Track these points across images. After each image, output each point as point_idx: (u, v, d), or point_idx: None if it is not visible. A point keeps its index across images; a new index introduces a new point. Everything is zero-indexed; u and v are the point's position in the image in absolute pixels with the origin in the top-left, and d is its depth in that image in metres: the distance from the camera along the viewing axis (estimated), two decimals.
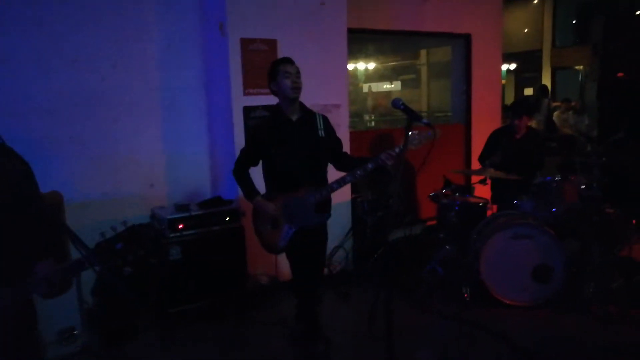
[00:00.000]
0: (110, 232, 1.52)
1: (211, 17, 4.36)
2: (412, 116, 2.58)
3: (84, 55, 4.00)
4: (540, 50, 15.96)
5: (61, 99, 3.94)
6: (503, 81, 11.79)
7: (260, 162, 3.24)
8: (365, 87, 11.81)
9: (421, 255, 4.86)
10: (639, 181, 5.04)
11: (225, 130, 4.38)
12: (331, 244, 4.78)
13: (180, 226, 3.84)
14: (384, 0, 5.55)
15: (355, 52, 9.05)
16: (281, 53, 4.36)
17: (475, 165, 5.14)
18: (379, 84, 12.37)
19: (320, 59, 4.58)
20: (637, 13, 9.29)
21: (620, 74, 7.91)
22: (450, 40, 6.58)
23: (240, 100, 4.26)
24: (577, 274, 4.22)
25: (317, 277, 3.39)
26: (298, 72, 3.09)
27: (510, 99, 15.15)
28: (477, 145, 5.49)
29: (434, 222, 5.42)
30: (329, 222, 3.32)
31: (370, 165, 2.96)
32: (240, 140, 4.27)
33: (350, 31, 4.80)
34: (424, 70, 11.90)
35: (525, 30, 16.47)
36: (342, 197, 4.76)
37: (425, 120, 2.59)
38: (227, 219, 4.02)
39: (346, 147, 4.66)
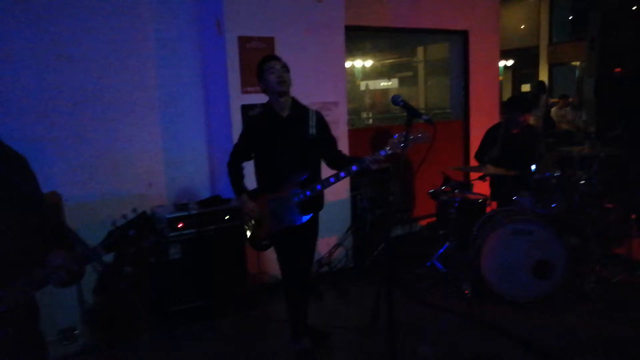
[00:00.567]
0: (121, 220, 1.58)
1: (208, 15, 4.35)
2: (412, 113, 2.58)
3: (80, 55, 3.99)
4: (537, 47, 15.96)
5: (59, 99, 3.93)
6: (500, 77, 11.80)
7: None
8: (362, 85, 11.81)
9: (421, 252, 4.87)
10: (637, 176, 5.06)
11: (223, 128, 4.37)
12: (331, 241, 4.79)
13: (179, 225, 3.83)
14: None
15: (352, 50, 9.04)
16: (278, 51, 4.35)
17: (474, 161, 5.14)
18: (377, 81, 12.37)
19: (317, 57, 4.58)
20: (634, 8, 9.29)
21: (617, 70, 7.92)
22: (448, 37, 6.58)
23: (238, 98, 4.25)
24: (577, 269, 4.22)
25: (306, 273, 3.38)
26: (283, 67, 3.06)
27: (507, 95, 15.14)
28: (476, 142, 5.48)
29: (433, 219, 5.42)
30: (329, 219, 3.32)
31: (354, 168, 2.93)
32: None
33: (348, 28, 4.79)
34: (421, 68, 11.92)
35: (522, 27, 16.47)
36: (341, 194, 4.77)
37: (425, 116, 2.59)
38: (227, 217, 4.00)
39: (344, 145, 4.67)
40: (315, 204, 3.17)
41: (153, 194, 4.33)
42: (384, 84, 12.49)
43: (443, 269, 4.52)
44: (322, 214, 3.32)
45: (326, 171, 3.19)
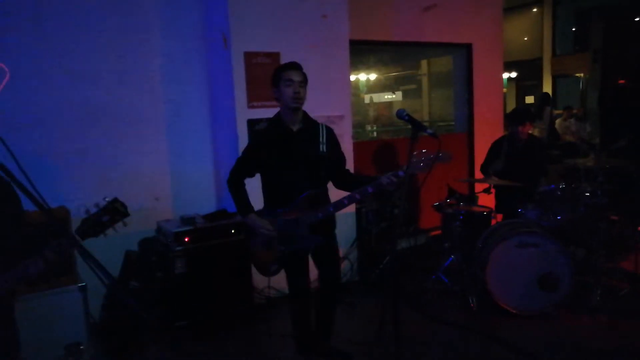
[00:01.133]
0: (94, 209, 1.72)
1: (214, 31, 4.41)
2: (417, 126, 2.59)
3: (89, 70, 4.05)
4: (541, 59, 16.01)
5: (67, 113, 3.99)
6: (504, 89, 11.82)
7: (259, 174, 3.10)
8: (367, 98, 11.86)
9: (426, 264, 4.86)
10: None
11: (229, 142, 4.40)
12: None
13: (186, 239, 3.85)
14: (384, 11, 5.60)
15: (356, 63, 9.10)
16: None
17: (479, 174, 5.15)
18: (381, 94, 12.42)
19: (322, 71, 4.61)
20: (637, 19, 9.32)
21: (621, 81, 7.94)
22: (451, 50, 6.63)
23: (244, 112, 4.29)
24: (583, 282, 4.20)
25: (332, 287, 3.23)
26: (303, 81, 2.93)
27: (511, 107, 15.16)
28: (480, 154, 5.50)
29: (438, 231, 5.41)
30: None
31: (369, 190, 2.79)
32: None
33: (352, 43, 4.84)
34: (425, 80, 11.96)
35: (525, 39, 16.54)
36: (347, 207, 4.77)
37: (429, 130, 2.60)
38: (233, 231, 4.02)
39: (349, 158, 4.68)
40: (327, 225, 3.04)
41: (160, 208, 4.36)
42: (388, 96, 12.54)
43: (448, 282, 4.51)
44: None
45: (332, 190, 3.11)
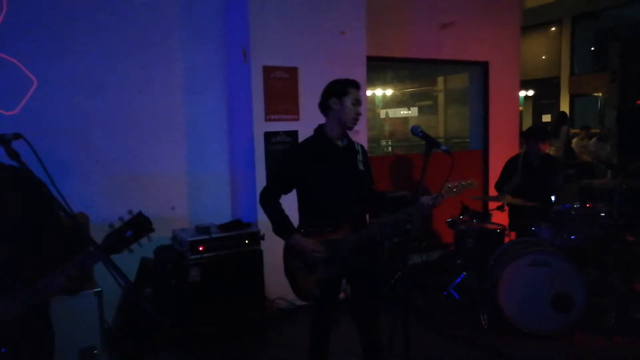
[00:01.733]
0: (118, 223, 1.62)
1: (234, 45, 4.51)
2: (431, 143, 2.61)
3: (112, 81, 4.16)
4: (559, 77, 15.96)
5: (89, 122, 4.10)
6: (521, 108, 11.79)
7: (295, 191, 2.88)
8: (382, 113, 11.92)
9: (438, 281, 4.85)
10: None
11: (246, 154, 4.47)
12: None
13: (200, 248, 3.90)
14: (402, 28, 5.66)
15: (373, 79, 9.17)
16: (302, 80, 4.48)
17: (493, 191, 5.15)
18: (397, 109, 12.47)
19: None
20: None
21: (639, 102, 7.88)
22: (468, 68, 6.66)
23: (261, 125, 4.36)
24: (597, 303, 4.16)
25: (376, 327, 2.98)
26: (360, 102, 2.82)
27: (528, 125, 15.11)
28: (495, 172, 5.50)
29: (451, 248, 5.40)
30: None
31: (401, 217, 2.73)
32: (260, 165, 4.36)
33: (369, 59, 4.90)
34: (441, 97, 11.99)
35: (543, 57, 16.51)
36: None
37: (443, 147, 2.63)
38: (247, 241, 4.06)
39: None
40: (369, 247, 2.86)
41: (176, 217, 4.43)
42: (404, 112, 12.59)
43: (460, 299, 4.50)
44: None
45: None
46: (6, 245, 1.63)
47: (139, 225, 1.62)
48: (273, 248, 4.38)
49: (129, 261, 4.01)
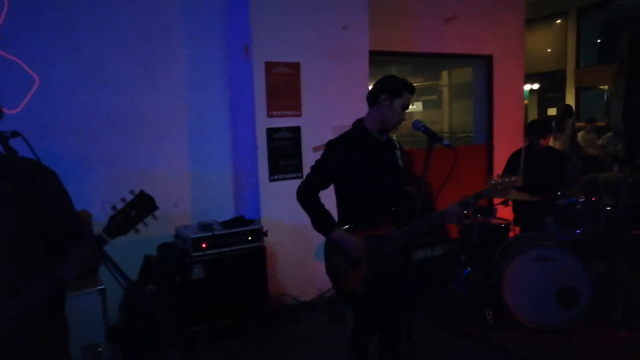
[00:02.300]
0: (121, 204, 1.61)
1: (236, 41, 4.49)
2: (433, 137, 2.60)
3: (114, 79, 4.16)
4: (564, 70, 15.83)
5: (92, 120, 4.10)
6: (526, 101, 11.71)
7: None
8: None
9: (442, 276, 4.83)
10: None
11: (248, 151, 4.46)
12: None
13: (203, 245, 3.89)
14: (405, 22, 5.62)
15: (376, 74, 9.10)
16: (304, 76, 4.46)
17: None
18: None
19: (342, 81, 4.66)
20: None
21: None
22: (472, 61, 6.61)
23: (264, 121, 4.35)
24: (604, 297, 4.13)
25: (395, 324, 2.87)
26: None
27: (533, 118, 15.02)
28: (500, 166, 5.46)
29: (456, 243, 5.38)
30: None
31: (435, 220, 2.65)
32: (263, 161, 4.35)
33: (372, 53, 4.87)
34: (445, 91, 11.93)
35: (549, 50, 16.38)
36: None
37: (445, 141, 2.61)
38: (250, 238, 4.06)
39: None
40: (409, 243, 2.79)
41: (179, 214, 4.43)
42: None
43: (464, 294, 4.47)
44: None
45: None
46: (21, 232, 1.64)
47: (143, 204, 1.61)
48: (276, 245, 4.40)
49: (132, 258, 4.04)
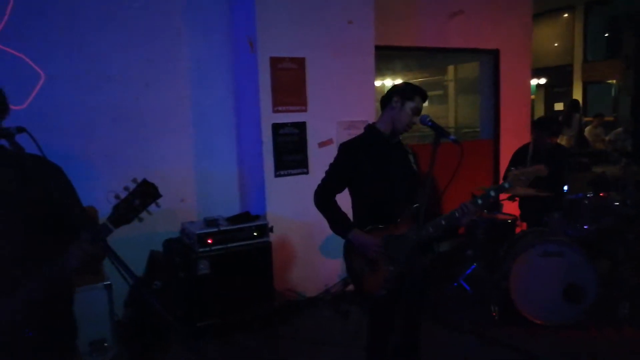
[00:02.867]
0: (124, 193, 1.60)
1: (241, 36, 4.47)
2: (440, 133, 2.57)
3: (118, 75, 4.16)
4: (571, 65, 15.72)
5: (97, 116, 4.10)
6: (532, 96, 11.64)
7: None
8: None
9: (448, 272, 4.82)
10: None
11: (254, 146, 4.45)
12: None
13: (209, 241, 3.90)
14: (411, 17, 5.59)
15: (382, 69, 9.09)
16: (309, 71, 4.44)
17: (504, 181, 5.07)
18: None
19: (347, 76, 4.64)
20: None
21: None
22: (478, 56, 6.56)
23: (269, 117, 4.34)
24: (610, 294, 4.11)
25: (417, 329, 2.82)
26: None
27: (540, 114, 14.93)
28: (506, 161, 5.43)
29: (462, 239, 5.36)
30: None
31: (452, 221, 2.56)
32: (269, 157, 4.35)
33: (378, 48, 4.84)
34: (451, 86, 11.88)
35: (556, 45, 16.27)
36: None
37: (452, 136, 2.58)
38: (255, 234, 4.06)
39: None
40: (429, 244, 2.75)
41: (184, 210, 4.44)
42: None
43: (470, 290, 4.46)
44: None
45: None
46: (28, 227, 1.64)
47: (146, 192, 1.60)
48: (281, 240, 4.40)
49: (138, 253, 4.06)
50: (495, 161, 6.38)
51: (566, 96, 15.48)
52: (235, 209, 4.60)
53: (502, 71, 6.29)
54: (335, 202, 2.73)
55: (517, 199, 4.79)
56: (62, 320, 1.79)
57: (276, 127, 4.37)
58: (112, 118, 4.16)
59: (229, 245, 3.96)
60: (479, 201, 2.55)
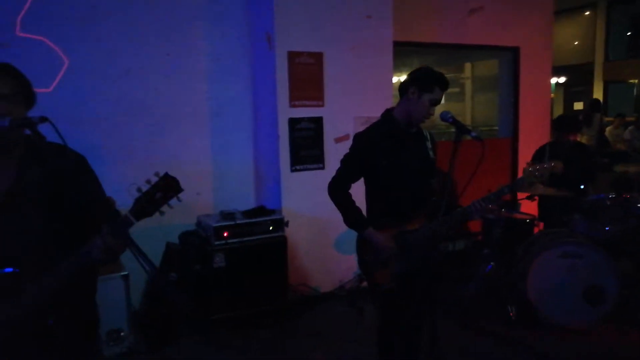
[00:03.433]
0: (146, 186, 1.60)
1: (259, 31, 4.47)
2: (461, 129, 2.54)
3: (137, 68, 4.17)
4: (592, 63, 15.47)
5: (116, 109, 4.13)
6: (552, 95, 11.47)
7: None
8: None
9: (465, 271, 4.76)
10: None
11: (270, 140, 4.45)
12: None
13: (225, 234, 3.91)
14: (429, 13, 5.53)
15: (400, 65, 9.01)
16: (327, 66, 4.42)
17: None
18: None
19: (365, 72, 4.61)
20: None
21: None
22: (498, 54, 6.48)
23: (286, 111, 4.33)
24: (632, 296, 4.03)
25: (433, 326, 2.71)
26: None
27: (558, 112, 14.73)
28: (525, 160, 5.36)
29: (479, 237, 5.30)
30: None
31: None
32: (285, 152, 4.34)
33: (396, 44, 4.80)
34: (468, 84, 11.77)
35: (576, 43, 16.02)
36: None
37: (474, 133, 2.55)
38: (271, 228, 4.06)
39: None
40: (438, 242, 2.73)
41: (201, 203, 4.45)
42: None
43: (487, 290, 4.41)
44: None
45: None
46: (50, 219, 1.66)
47: (168, 186, 1.61)
48: (297, 235, 4.39)
49: (154, 245, 4.08)
50: (513, 160, 6.30)
51: (586, 95, 15.26)
52: (250, 203, 4.60)
53: (522, 69, 6.20)
54: (350, 195, 2.67)
55: (536, 198, 4.72)
56: (85, 311, 1.81)
57: (293, 122, 4.36)
58: (130, 111, 4.18)
59: (245, 239, 3.97)
60: (495, 196, 2.57)
